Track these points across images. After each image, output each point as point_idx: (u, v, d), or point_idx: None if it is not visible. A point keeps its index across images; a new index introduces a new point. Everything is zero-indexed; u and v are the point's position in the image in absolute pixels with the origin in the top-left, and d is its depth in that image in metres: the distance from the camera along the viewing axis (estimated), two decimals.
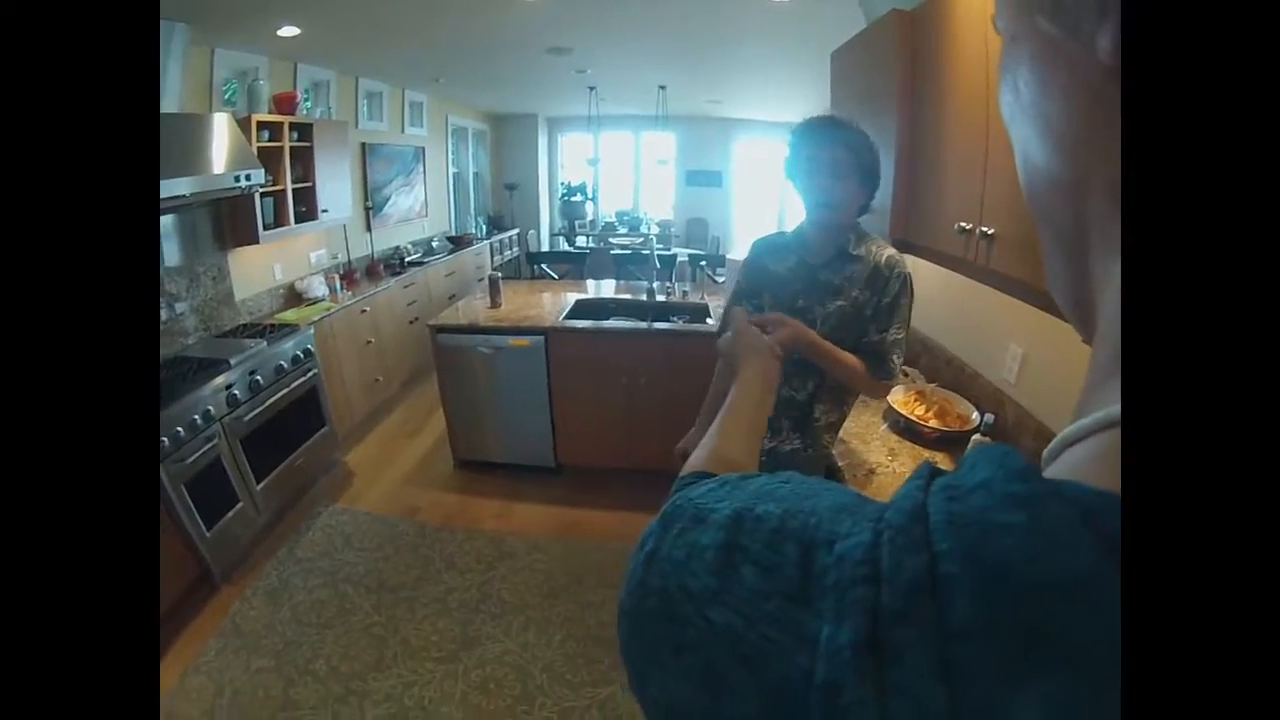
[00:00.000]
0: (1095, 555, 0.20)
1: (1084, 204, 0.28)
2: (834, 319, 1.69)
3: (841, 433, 1.99)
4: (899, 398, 2.26)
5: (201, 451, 2.71)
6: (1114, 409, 0.24)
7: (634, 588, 0.35)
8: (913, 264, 2.84)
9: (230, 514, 2.91)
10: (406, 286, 5.32)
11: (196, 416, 2.71)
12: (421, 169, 6.74)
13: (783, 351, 1.04)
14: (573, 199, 8.95)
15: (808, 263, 1.76)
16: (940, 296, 2.66)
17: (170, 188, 2.72)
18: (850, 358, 1.64)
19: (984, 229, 1.57)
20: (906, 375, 2.48)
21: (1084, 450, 0.26)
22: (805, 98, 6.59)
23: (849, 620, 0.23)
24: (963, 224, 1.67)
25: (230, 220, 3.74)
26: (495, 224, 8.77)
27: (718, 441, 0.75)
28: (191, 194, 2.88)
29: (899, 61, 2.01)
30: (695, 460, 0.70)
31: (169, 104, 3.13)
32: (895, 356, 1.68)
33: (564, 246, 8.63)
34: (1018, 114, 0.31)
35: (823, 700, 0.23)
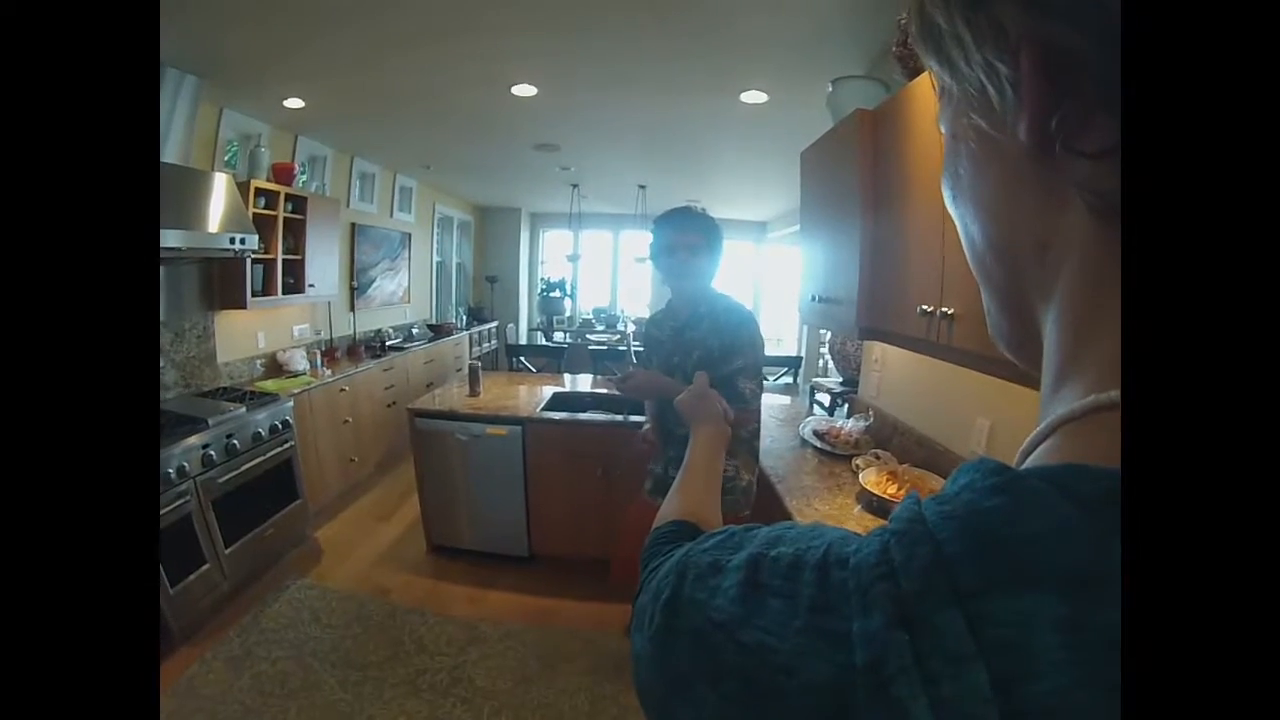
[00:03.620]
0: (1071, 510, 0.24)
1: (1015, 261, 0.34)
2: (696, 365, 2.06)
3: (817, 514, 2.12)
4: (871, 479, 2.30)
5: (172, 506, 2.69)
6: (1060, 411, 0.30)
7: (656, 631, 0.38)
8: (880, 350, 2.99)
9: (195, 574, 2.85)
10: (386, 370, 5.35)
11: (170, 470, 2.70)
12: (407, 254, 6.89)
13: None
14: (552, 294, 9.13)
15: (675, 327, 2.27)
16: (909, 381, 2.76)
17: (167, 239, 2.80)
18: (712, 395, 1.96)
19: (944, 309, 1.68)
20: (879, 458, 2.55)
21: (1043, 448, 0.31)
22: (778, 195, 6.92)
23: (876, 609, 0.26)
24: (924, 307, 1.77)
25: (220, 281, 3.82)
26: (475, 315, 8.89)
27: (683, 496, 0.83)
28: (186, 248, 2.95)
29: (863, 156, 2.15)
30: (668, 511, 0.77)
31: (171, 153, 3.21)
32: (739, 382, 2.05)
33: (542, 341, 8.74)
34: (958, 195, 0.37)
35: (869, 678, 0.25)
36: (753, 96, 3.43)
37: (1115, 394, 0.27)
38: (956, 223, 0.38)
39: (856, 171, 2.18)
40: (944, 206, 1.35)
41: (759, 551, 0.35)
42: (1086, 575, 0.23)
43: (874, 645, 0.26)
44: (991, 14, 0.28)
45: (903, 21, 2.00)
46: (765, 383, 4.97)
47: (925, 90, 1.78)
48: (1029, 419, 0.32)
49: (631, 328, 8.61)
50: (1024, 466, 0.31)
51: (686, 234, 2.16)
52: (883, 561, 0.28)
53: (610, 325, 9.13)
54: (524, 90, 3.51)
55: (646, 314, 9.79)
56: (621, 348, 5.26)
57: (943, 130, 0.36)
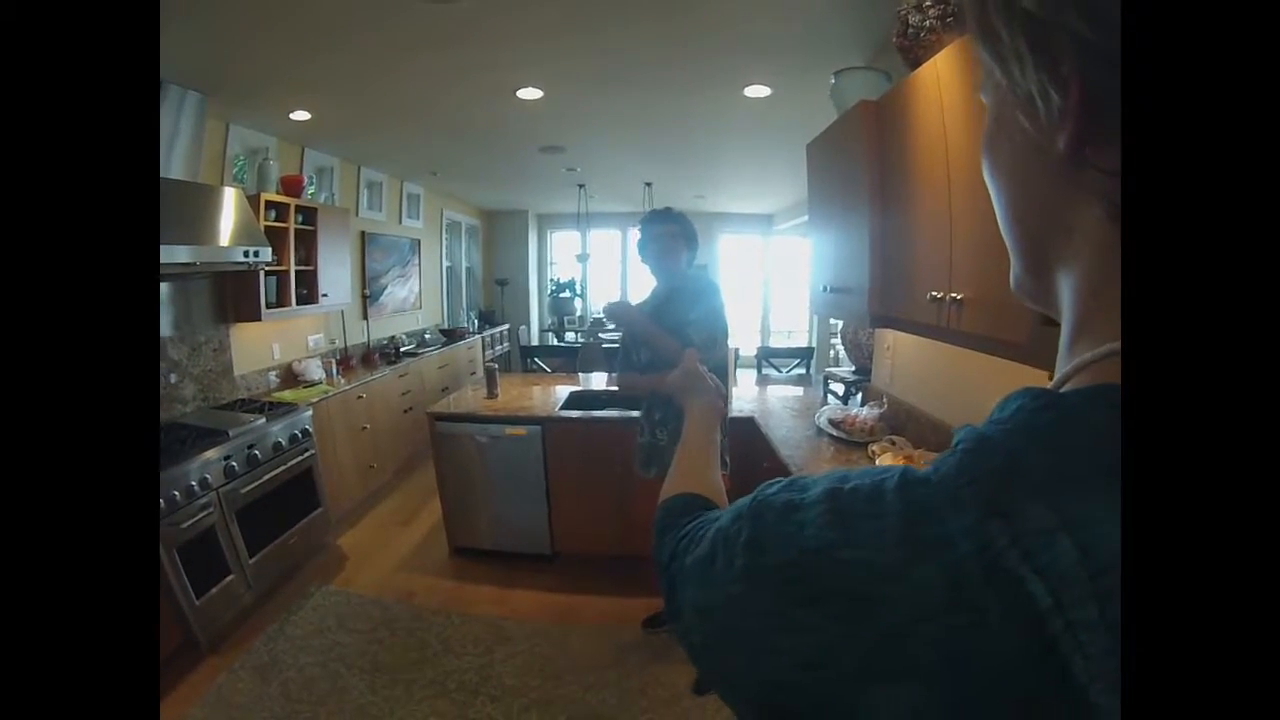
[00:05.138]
0: (1103, 415, 0.30)
1: (1042, 236, 0.39)
2: (671, 330, 2.46)
3: None
4: (888, 464, 2.33)
5: (196, 519, 2.74)
6: (1085, 356, 0.34)
7: (742, 572, 0.40)
8: (892, 337, 3.00)
9: (220, 585, 2.89)
10: (401, 376, 5.39)
11: (193, 483, 2.75)
12: (417, 261, 6.94)
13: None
14: (562, 295, 9.15)
15: (656, 305, 2.62)
16: (921, 367, 2.77)
17: (177, 254, 2.83)
18: (667, 338, 2.45)
19: (954, 295, 1.69)
20: (894, 444, 2.56)
21: (1070, 385, 0.36)
22: (784, 188, 6.90)
23: (970, 508, 0.31)
24: (934, 293, 1.79)
25: (234, 295, 3.87)
26: (486, 319, 8.94)
27: (686, 471, 0.84)
28: (200, 263, 2.99)
29: (868, 147, 2.17)
30: (672, 486, 0.78)
31: (178, 169, 3.24)
32: (690, 332, 2.43)
33: (553, 342, 8.77)
34: (996, 171, 0.42)
35: (976, 561, 0.30)
36: (756, 91, 3.44)
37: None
38: (990, 189, 0.43)
39: (862, 162, 2.20)
40: (950, 196, 1.36)
41: (833, 486, 0.39)
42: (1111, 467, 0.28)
43: (975, 536, 0.30)
44: (1050, 46, 0.32)
45: (903, 12, 2.00)
46: (780, 372, 5.00)
47: (928, 80, 1.79)
48: None
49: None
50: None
51: (667, 225, 2.62)
52: (963, 472, 0.33)
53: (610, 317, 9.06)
54: (529, 93, 3.54)
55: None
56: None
57: (985, 101, 0.41)
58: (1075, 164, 0.33)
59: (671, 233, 2.61)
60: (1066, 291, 0.38)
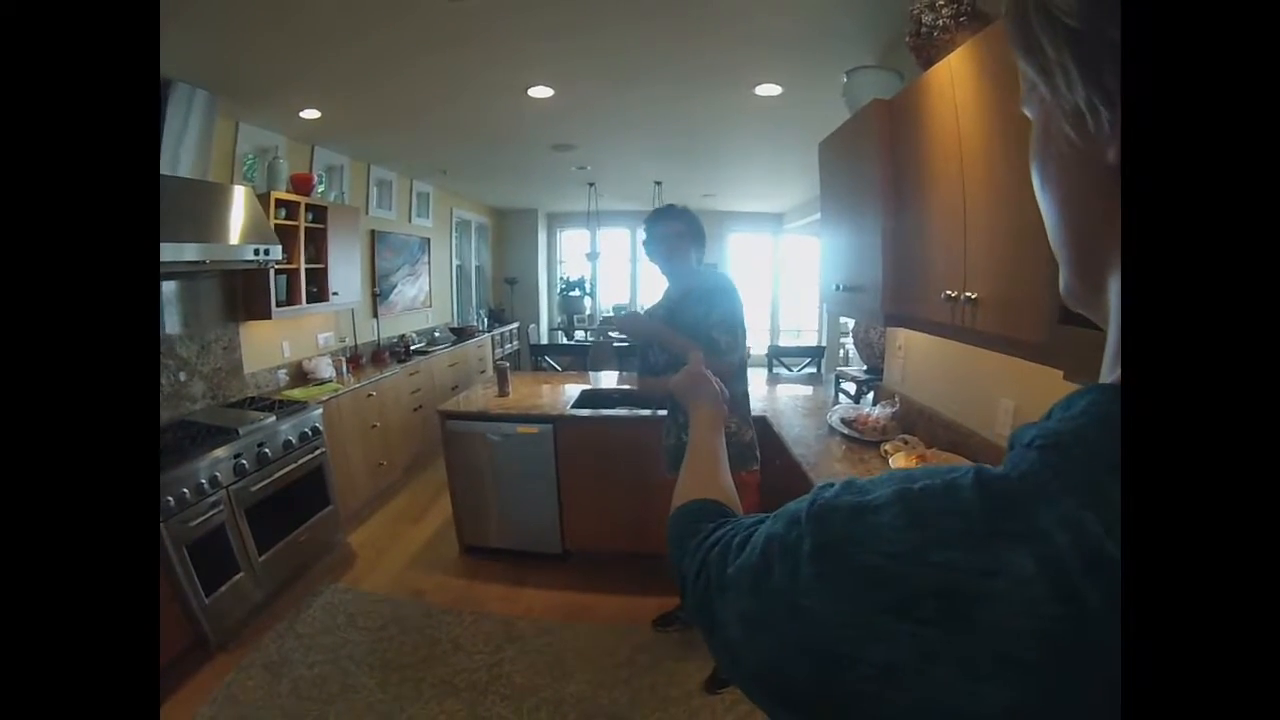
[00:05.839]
0: None
1: (1093, 245, 0.39)
2: (686, 329, 2.40)
3: None
4: (900, 462, 2.32)
5: (206, 516, 2.75)
6: None
7: (809, 582, 0.38)
8: (904, 336, 2.98)
9: (230, 583, 2.90)
10: (411, 374, 5.40)
11: (203, 480, 2.76)
12: (427, 259, 6.95)
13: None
14: (571, 293, 9.16)
15: (669, 307, 2.56)
16: (933, 366, 2.76)
17: (186, 252, 2.83)
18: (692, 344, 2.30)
19: (968, 294, 1.68)
20: (906, 443, 2.55)
21: None
22: (794, 187, 6.88)
23: (1063, 498, 0.32)
24: (948, 292, 1.78)
25: (244, 293, 3.88)
26: (496, 317, 8.95)
27: (696, 476, 0.83)
28: (209, 261, 3.00)
29: (881, 146, 2.16)
30: (684, 492, 0.77)
31: (186, 168, 3.23)
32: (715, 334, 2.37)
33: (563, 340, 8.78)
34: (1046, 184, 0.41)
35: (1079, 551, 0.30)
36: (767, 89, 3.42)
37: None
38: (1040, 201, 0.42)
39: (876, 160, 2.19)
40: (964, 196, 1.35)
41: (902, 488, 0.38)
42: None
43: (1071, 526, 0.31)
44: (1096, 61, 0.32)
45: (915, 11, 1.99)
46: (790, 371, 4.98)
47: (942, 79, 1.78)
48: (1053, 398, 0.37)
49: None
50: None
51: (671, 224, 2.55)
52: (1047, 466, 0.34)
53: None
54: (540, 92, 3.53)
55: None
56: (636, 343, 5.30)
57: (1029, 116, 0.41)
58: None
59: (677, 231, 2.54)
60: (1116, 297, 0.38)
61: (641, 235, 2.64)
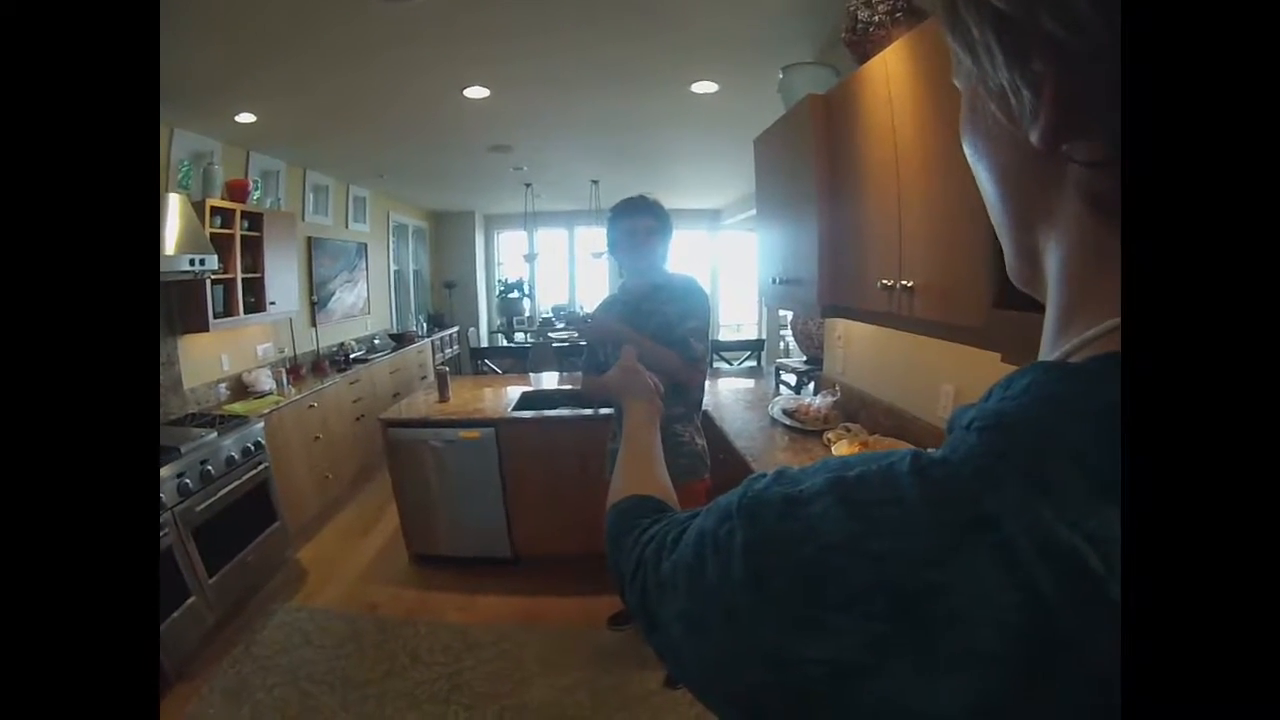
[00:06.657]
0: (1113, 388, 0.29)
1: (1025, 221, 0.39)
2: (654, 333, 2.25)
3: None
4: (844, 450, 2.38)
5: None
6: (1087, 334, 0.34)
7: (745, 580, 0.37)
8: (843, 327, 3.07)
9: (182, 608, 2.80)
10: (352, 383, 5.31)
11: None
12: (364, 265, 6.84)
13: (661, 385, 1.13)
14: (510, 296, 9.08)
15: (629, 303, 2.41)
16: (873, 354, 2.85)
17: None
18: (668, 351, 2.20)
19: (904, 283, 1.75)
20: (849, 431, 2.62)
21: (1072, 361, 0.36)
22: (731, 183, 6.98)
23: (1006, 484, 0.30)
24: (885, 281, 1.85)
25: (180, 305, 3.76)
26: (435, 322, 8.86)
27: (632, 472, 0.81)
28: None
29: (816, 140, 2.22)
30: (620, 488, 0.74)
31: None
32: (693, 341, 2.27)
33: (503, 342, 8.71)
34: (978, 159, 0.41)
35: (1030, 537, 0.28)
36: (703, 86, 3.47)
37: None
38: (977, 177, 0.42)
39: (811, 154, 2.25)
40: (899, 188, 1.41)
41: (835, 476, 0.36)
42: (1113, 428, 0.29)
43: (1020, 512, 0.29)
44: (1021, 45, 0.32)
45: (851, 8, 2.05)
46: (731, 365, 5.07)
47: (877, 73, 1.84)
48: (992, 380, 0.37)
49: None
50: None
51: (643, 218, 2.37)
52: (990, 449, 0.32)
53: (571, 322, 9.09)
54: (476, 92, 3.52)
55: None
56: (583, 343, 5.30)
57: (959, 87, 0.41)
58: (1049, 156, 0.33)
59: (648, 226, 2.35)
60: (1053, 275, 0.38)
61: (605, 231, 2.48)
